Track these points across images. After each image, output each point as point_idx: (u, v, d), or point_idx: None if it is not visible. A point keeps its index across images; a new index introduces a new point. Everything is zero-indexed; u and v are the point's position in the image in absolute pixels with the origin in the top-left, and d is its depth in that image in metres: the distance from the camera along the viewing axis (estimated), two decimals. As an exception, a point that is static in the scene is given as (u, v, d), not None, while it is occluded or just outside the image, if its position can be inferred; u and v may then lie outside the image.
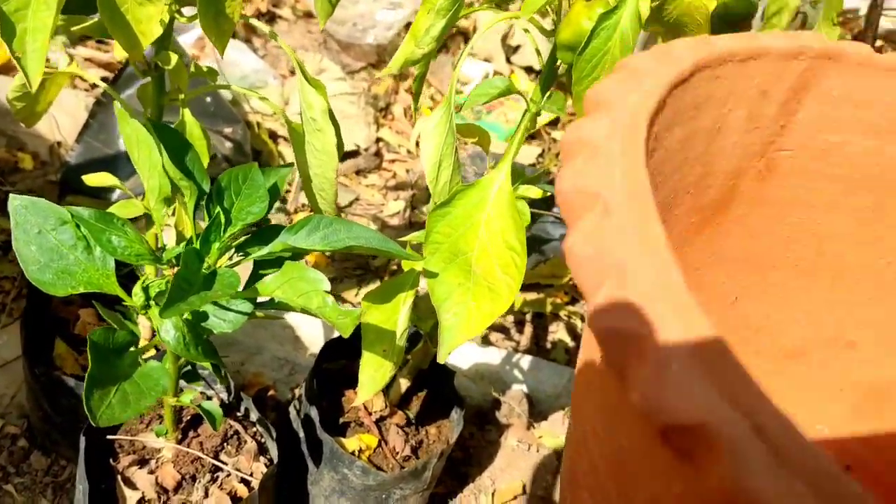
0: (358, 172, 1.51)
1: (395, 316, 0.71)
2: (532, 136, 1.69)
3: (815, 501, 0.25)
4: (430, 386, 0.94)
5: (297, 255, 0.67)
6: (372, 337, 0.73)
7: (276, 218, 1.34)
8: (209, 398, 0.85)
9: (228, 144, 1.27)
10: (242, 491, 0.77)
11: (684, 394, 0.28)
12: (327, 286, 0.55)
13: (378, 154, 1.54)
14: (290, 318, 1.18)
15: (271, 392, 1.07)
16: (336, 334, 0.92)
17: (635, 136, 0.39)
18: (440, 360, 0.63)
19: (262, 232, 0.64)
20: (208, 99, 1.28)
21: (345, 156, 1.51)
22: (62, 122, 1.32)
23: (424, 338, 0.84)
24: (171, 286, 0.49)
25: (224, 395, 0.86)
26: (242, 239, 0.63)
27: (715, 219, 0.59)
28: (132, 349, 0.58)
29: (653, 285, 0.31)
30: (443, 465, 0.89)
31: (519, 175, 0.77)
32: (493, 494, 1.04)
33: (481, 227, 0.61)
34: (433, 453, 0.83)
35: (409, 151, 1.58)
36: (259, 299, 0.65)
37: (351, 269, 1.34)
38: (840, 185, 0.59)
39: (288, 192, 1.41)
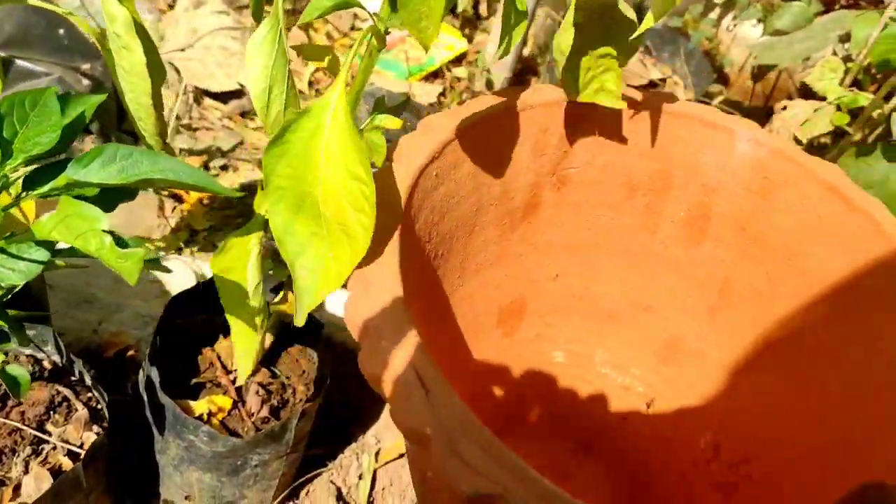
0: (244, 114, 1.39)
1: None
2: (434, 75, 1.60)
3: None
4: (300, 339, 0.86)
5: (125, 192, 0.58)
6: (233, 302, 0.64)
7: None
8: (38, 360, 0.76)
9: (86, 82, 1.14)
10: (68, 464, 0.68)
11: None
12: (105, 224, 0.46)
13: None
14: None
15: (131, 353, 0.97)
16: (190, 285, 0.82)
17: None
18: (297, 322, 0.54)
19: (51, 166, 0.54)
20: (61, 31, 1.14)
21: (229, 95, 1.39)
22: None
23: (285, 288, 0.76)
24: None
25: (56, 358, 0.76)
26: (24, 172, 0.54)
27: (526, 218, 0.76)
28: None
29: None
30: (309, 425, 0.81)
31: (379, 105, 0.69)
32: (376, 454, 0.97)
33: (321, 158, 0.53)
34: (294, 413, 0.75)
35: (301, 92, 1.47)
36: (60, 245, 0.56)
37: (233, 216, 1.24)
38: (622, 190, 0.76)
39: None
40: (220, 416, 0.76)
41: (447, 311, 0.74)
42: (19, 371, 0.63)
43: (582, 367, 0.88)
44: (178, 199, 1.21)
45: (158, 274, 1.08)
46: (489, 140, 0.67)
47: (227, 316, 0.66)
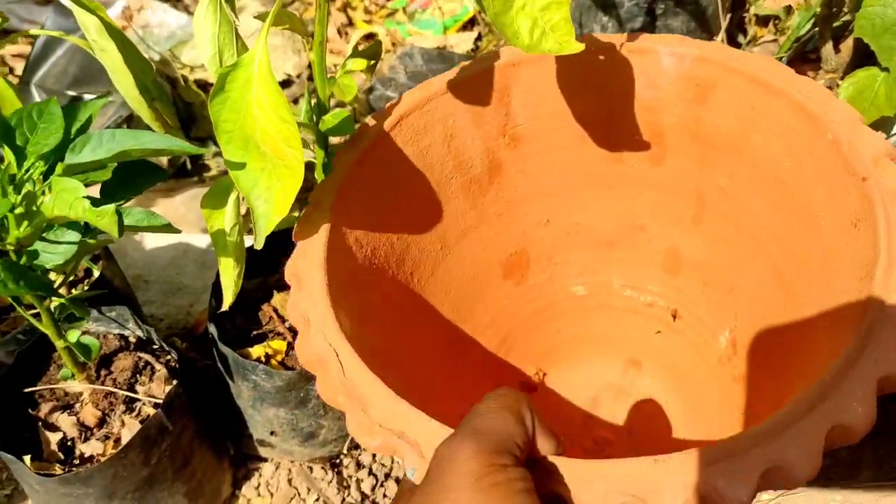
0: (296, 102, 1.50)
1: (231, 217, 0.71)
2: (470, 23, 1.64)
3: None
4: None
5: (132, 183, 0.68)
6: (221, 243, 0.73)
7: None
8: (125, 337, 0.88)
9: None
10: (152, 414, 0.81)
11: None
12: (84, 191, 0.56)
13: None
14: (235, 253, 1.20)
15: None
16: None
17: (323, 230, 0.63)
18: (257, 246, 0.63)
19: (54, 162, 0.65)
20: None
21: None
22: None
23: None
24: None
25: (139, 332, 0.88)
26: (40, 169, 0.65)
27: (493, 181, 0.79)
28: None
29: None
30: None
31: (354, 51, 0.76)
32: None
33: (253, 105, 0.61)
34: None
35: (348, 69, 1.56)
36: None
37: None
38: (573, 131, 0.78)
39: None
40: (278, 357, 0.87)
41: (432, 284, 0.78)
42: (90, 340, 0.75)
43: (604, 294, 0.91)
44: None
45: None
46: (423, 124, 0.72)
47: (216, 253, 0.73)
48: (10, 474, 0.97)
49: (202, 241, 1.22)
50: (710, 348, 0.86)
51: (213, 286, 0.89)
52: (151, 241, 1.21)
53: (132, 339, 0.89)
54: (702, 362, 0.87)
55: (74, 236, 0.67)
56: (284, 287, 0.94)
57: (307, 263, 0.60)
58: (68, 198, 0.57)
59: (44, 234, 0.67)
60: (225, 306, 0.77)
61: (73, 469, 0.76)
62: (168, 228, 0.68)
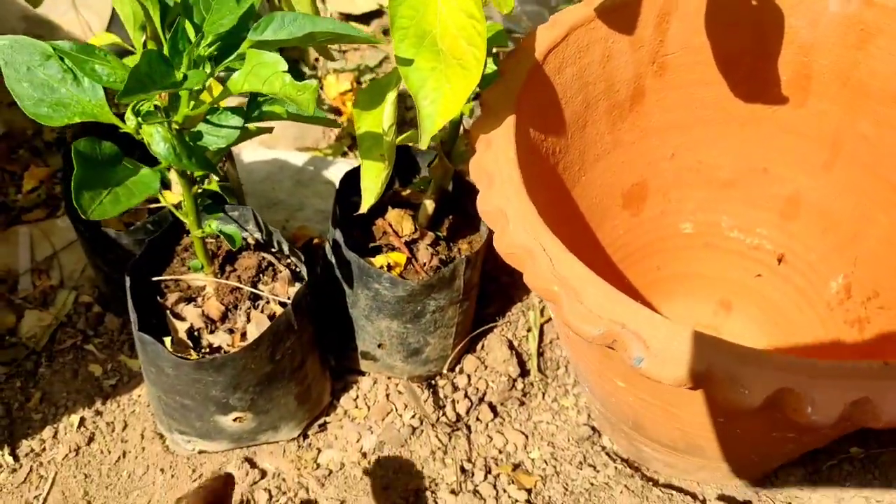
0: (385, 32, 1.50)
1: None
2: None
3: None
4: (458, 207, 0.95)
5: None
6: (368, 144, 0.74)
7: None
8: (245, 238, 0.89)
9: None
10: (280, 312, 0.82)
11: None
12: (284, 66, 0.56)
13: None
14: (329, 174, 1.21)
15: (316, 240, 1.11)
16: (356, 163, 0.93)
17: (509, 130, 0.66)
18: (422, 145, 0.64)
19: (232, 43, 0.65)
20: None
21: (370, 16, 1.50)
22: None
23: (438, 152, 0.85)
24: (127, 77, 0.51)
25: (258, 235, 0.89)
26: (214, 50, 0.65)
27: (634, 108, 0.81)
28: (127, 164, 0.61)
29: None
30: (476, 276, 0.91)
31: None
32: (541, 311, 1.06)
33: (438, 1, 0.61)
34: (460, 261, 0.85)
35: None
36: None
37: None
38: (721, 65, 0.79)
39: (317, 60, 1.42)
40: (397, 270, 0.88)
41: (570, 201, 0.80)
42: (232, 230, 0.76)
43: (711, 234, 0.93)
44: (338, 112, 1.34)
45: (331, 176, 1.21)
46: (587, 42, 0.74)
47: (361, 155, 0.74)
48: (116, 366, 0.99)
49: (298, 158, 1.22)
50: (818, 293, 0.87)
51: (336, 193, 0.90)
52: (249, 154, 1.22)
53: (251, 241, 0.90)
54: (807, 306, 0.88)
55: (237, 121, 0.67)
56: (398, 204, 0.94)
57: (496, 161, 0.61)
58: (265, 72, 0.57)
59: (208, 117, 0.68)
60: (364, 208, 0.78)
61: (208, 356, 0.78)
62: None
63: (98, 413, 0.94)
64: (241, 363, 0.77)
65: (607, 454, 0.92)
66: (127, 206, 0.56)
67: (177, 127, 0.65)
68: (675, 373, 0.54)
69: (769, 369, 0.52)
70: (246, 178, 1.17)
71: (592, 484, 0.88)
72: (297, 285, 0.85)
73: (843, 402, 0.52)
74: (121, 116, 0.64)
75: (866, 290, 0.82)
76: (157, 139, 0.62)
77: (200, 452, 0.91)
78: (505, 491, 0.88)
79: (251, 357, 0.78)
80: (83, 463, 0.90)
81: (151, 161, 0.64)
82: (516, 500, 0.87)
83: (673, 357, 0.54)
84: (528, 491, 0.88)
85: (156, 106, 0.64)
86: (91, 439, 0.92)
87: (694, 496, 0.86)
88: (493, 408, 0.98)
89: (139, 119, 0.64)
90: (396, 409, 0.97)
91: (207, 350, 0.80)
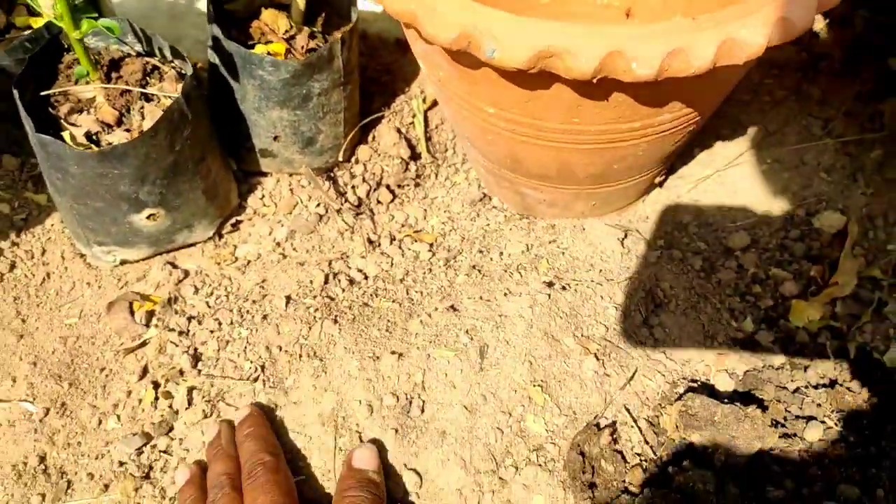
0: None
1: None
2: None
3: None
4: (329, 3, 1.00)
5: None
6: None
7: None
8: (123, 51, 0.92)
9: None
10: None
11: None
12: None
13: None
14: (203, 4, 1.23)
15: (199, 65, 1.14)
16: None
17: None
18: None
19: None
20: None
21: None
22: None
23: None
24: None
25: (138, 47, 0.92)
26: None
27: None
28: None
29: None
30: (354, 58, 0.97)
31: None
32: (423, 99, 1.13)
33: None
34: (336, 40, 0.91)
35: None
36: None
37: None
38: None
39: None
40: (278, 57, 0.93)
41: None
42: (110, 22, 0.80)
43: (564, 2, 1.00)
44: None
45: (204, 7, 1.23)
46: None
47: None
48: (23, 202, 1.02)
49: (170, -8, 1.23)
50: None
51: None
52: (118, -6, 1.22)
53: (132, 52, 0.93)
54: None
55: None
56: (271, 5, 0.98)
57: None
58: None
59: None
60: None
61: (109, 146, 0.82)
62: None
63: (14, 244, 0.98)
64: (142, 151, 0.82)
65: (498, 210, 1.02)
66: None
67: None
68: (523, 55, 0.62)
69: (597, 38, 0.61)
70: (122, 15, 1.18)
71: (485, 230, 0.99)
72: (186, 80, 0.89)
73: (661, 54, 0.61)
74: None
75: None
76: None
77: (123, 263, 0.97)
78: (410, 248, 0.98)
79: (151, 145, 0.83)
80: (9, 288, 0.95)
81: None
82: (419, 252, 0.97)
83: (520, 43, 0.62)
84: (430, 245, 0.98)
85: None
86: (13, 266, 0.96)
87: (574, 226, 0.98)
88: (391, 190, 1.06)
89: None
90: (302, 202, 1.04)
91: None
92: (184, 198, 0.91)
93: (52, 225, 1.00)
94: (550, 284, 0.84)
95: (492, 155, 0.91)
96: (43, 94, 0.87)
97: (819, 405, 0.75)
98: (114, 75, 0.88)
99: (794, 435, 0.72)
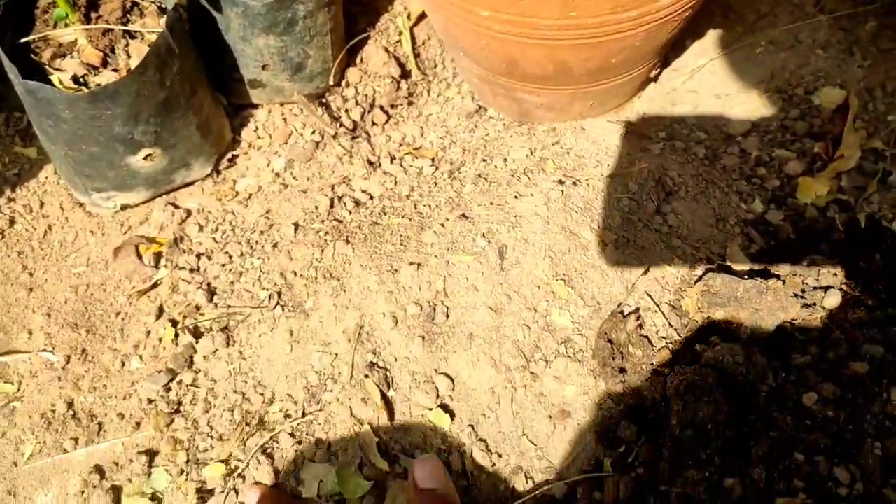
0: None
1: None
2: None
3: None
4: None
5: None
6: None
7: None
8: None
9: None
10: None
11: None
12: None
13: None
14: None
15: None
16: None
17: None
18: None
19: None
20: None
21: None
22: None
23: None
24: None
25: (113, -18, 0.90)
26: None
27: None
28: None
29: None
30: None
31: None
32: (408, 15, 1.11)
33: None
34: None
35: None
36: None
37: None
38: None
39: None
40: (257, -18, 0.90)
41: None
42: (86, -46, 0.77)
43: None
44: None
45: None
46: None
47: None
48: (13, 157, 1.00)
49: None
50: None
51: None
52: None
53: (108, -10, 0.90)
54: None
55: None
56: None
57: None
58: None
59: None
60: None
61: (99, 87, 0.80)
62: None
63: (11, 199, 0.97)
64: (133, 89, 0.80)
65: (495, 119, 1.02)
66: None
67: None
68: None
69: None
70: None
71: (486, 140, 0.98)
72: (168, 15, 0.87)
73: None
74: None
75: None
76: None
77: (123, 208, 0.96)
78: (411, 165, 0.97)
79: (141, 83, 0.81)
80: (12, 243, 0.93)
81: None
82: (421, 168, 0.96)
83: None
84: (431, 160, 0.97)
85: None
86: (13, 222, 0.95)
87: (575, 127, 0.97)
88: (384, 110, 1.05)
89: None
90: (297, 130, 1.03)
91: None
92: (179, 135, 0.90)
93: (47, 177, 0.99)
94: (561, 182, 0.84)
95: (486, 62, 0.90)
96: (22, 41, 0.84)
97: (835, 275, 0.76)
98: (93, 15, 0.86)
99: (814, 304, 0.73)
